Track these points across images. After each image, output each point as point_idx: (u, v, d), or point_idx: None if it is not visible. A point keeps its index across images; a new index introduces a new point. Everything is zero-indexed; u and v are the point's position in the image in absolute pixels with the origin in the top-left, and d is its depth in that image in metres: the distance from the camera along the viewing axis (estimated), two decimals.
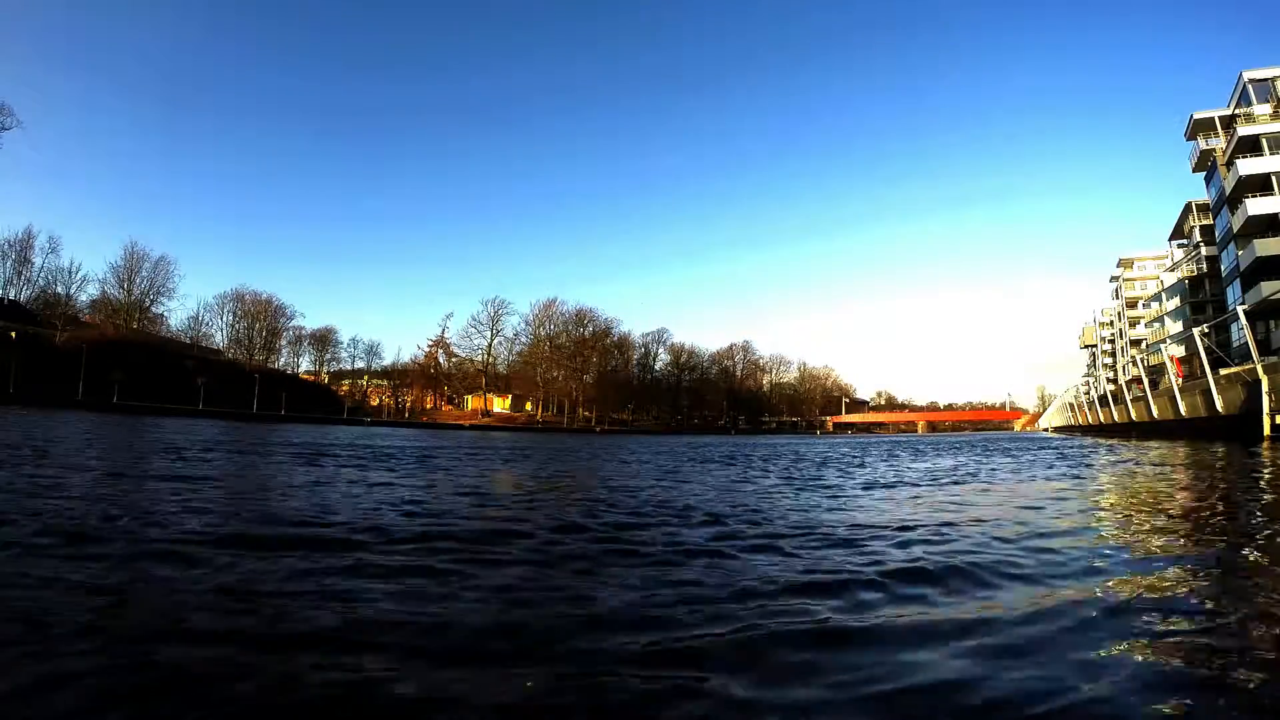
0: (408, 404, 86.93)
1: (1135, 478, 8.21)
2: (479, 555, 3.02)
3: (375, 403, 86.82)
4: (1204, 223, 43.49)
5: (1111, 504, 5.54)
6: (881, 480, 8.01)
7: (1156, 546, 3.41)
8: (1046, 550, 3.21)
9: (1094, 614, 2.09)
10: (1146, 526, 4.16)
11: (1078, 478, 8.25)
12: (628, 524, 4.12)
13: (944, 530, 3.88)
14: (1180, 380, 27.93)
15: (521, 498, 6.01)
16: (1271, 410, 18.40)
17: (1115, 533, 3.91)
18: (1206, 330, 26.09)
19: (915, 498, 6.09)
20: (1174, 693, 1.48)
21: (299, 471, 7.74)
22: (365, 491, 5.80)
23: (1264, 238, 31.36)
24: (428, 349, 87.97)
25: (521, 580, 2.62)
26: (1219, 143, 35.96)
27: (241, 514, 4.24)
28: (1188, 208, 46.94)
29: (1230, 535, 3.85)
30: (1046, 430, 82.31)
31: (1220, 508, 5.23)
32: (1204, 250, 43.47)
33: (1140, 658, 1.71)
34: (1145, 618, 2.05)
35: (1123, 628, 1.96)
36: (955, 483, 7.68)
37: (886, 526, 4.05)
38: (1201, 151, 37.96)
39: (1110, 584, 2.54)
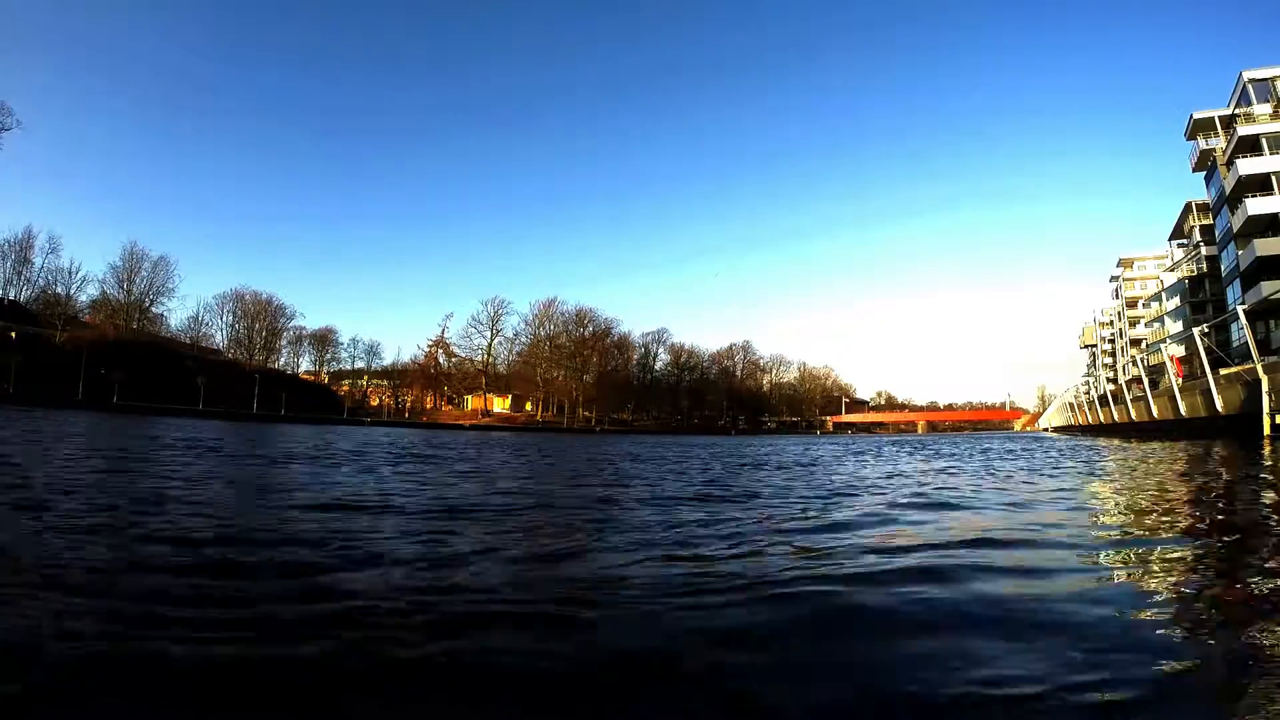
0: (408, 404, 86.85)
1: (1132, 478, 8.23)
2: None
3: (375, 403, 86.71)
4: (1204, 223, 43.44)
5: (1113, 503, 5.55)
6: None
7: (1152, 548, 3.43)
8: None
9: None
10: (1135, 527, 4.19)
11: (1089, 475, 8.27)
12: None
13: None
14: (1180, 380, 27.98)
15: None
16: (1271, 410, 18.45)
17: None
18: (1206, 330, 26.12)
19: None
20: None
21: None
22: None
23: (1264, 238, 31.34)
24: (428, 349, 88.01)
25: None
26: (1219, 143, 35.96)
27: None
28: (1188, 208, 46.90)
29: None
30: (1046, 430, 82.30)
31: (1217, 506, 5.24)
32: (1204, 250, 43.40)
33: None
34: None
35: None
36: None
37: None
38: (1201, 151, 37.94)
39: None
